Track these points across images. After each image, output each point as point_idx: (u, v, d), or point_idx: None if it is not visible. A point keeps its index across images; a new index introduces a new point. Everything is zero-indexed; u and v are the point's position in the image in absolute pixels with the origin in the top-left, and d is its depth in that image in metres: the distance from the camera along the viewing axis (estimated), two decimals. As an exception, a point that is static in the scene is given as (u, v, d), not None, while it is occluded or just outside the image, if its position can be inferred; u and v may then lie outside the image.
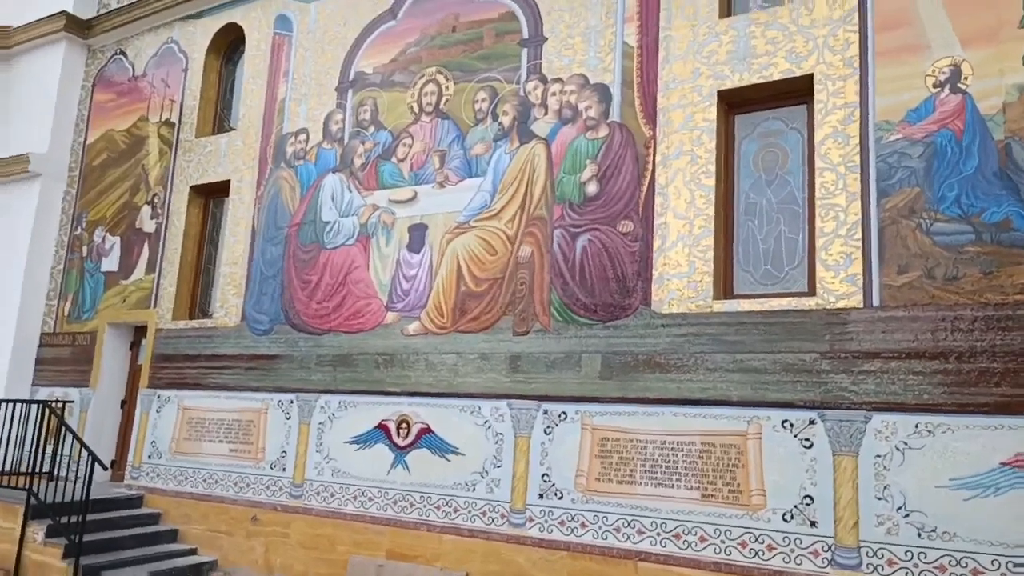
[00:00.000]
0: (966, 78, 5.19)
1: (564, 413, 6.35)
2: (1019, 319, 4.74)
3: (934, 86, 5.29)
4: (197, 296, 9.63)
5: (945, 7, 5.31)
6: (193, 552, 8.11)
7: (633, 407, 6.03)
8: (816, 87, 5.76)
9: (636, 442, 5.95)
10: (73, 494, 7.40)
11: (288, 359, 8.22)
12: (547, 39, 7.25)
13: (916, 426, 4.94)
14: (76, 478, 7.56)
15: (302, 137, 8.86)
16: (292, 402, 8.06)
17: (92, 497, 7.46)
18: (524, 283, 6.84)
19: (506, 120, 7.34)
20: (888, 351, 5.10)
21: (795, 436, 5.32)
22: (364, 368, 7.64)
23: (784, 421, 5.39)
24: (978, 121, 5.10)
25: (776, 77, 5.97)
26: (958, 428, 4.81)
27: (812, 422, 5.28)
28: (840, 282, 5.37)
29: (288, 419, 8.05)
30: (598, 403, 6.20)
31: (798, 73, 5.87)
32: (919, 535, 4.82)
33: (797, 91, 5.96)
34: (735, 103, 6.31)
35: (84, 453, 7.56)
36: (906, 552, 4.84)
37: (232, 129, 9.75)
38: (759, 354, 5.57)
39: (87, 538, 7.23)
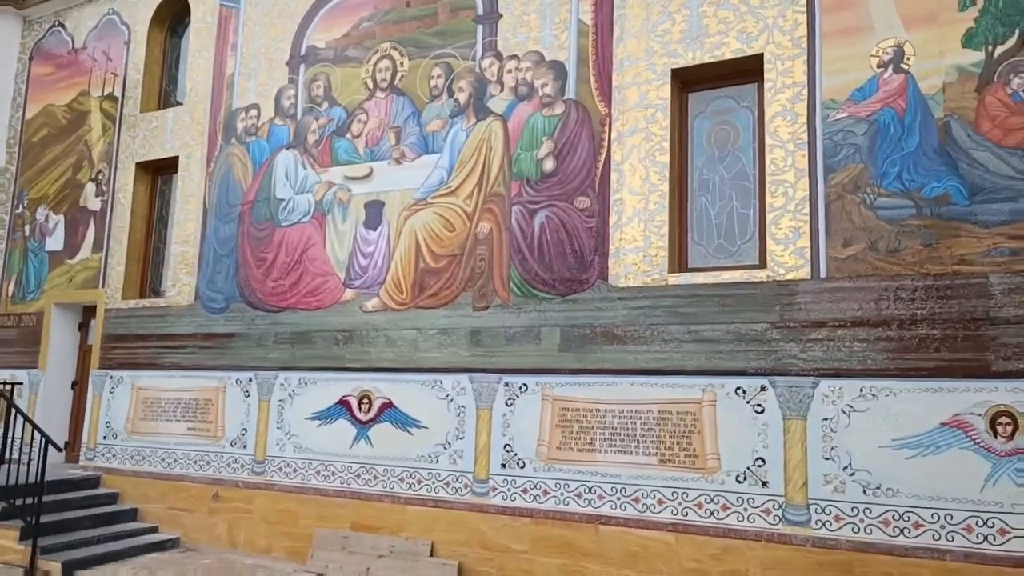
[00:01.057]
0: (908, 59, 5.42)
1: (525, 385, 6.50)
2: (957, 288, 5.04)
3: (878, 66, 5.52)
4: (147, 275, 9.44)
5: (888, -11, 5.54)
6: (154, 530, 8.06)
7: (592, 378, 6.21)
8: (766, 66, 5.94)
9: (595, 411, 6.14)
10: (27, 476, 7.25)
11: (245, 337, 8.16)
12: (502, 16, 7.26)
13: (861, 390, 5.23)
14: (29, 460, 7.40)
15: (253, 113, 8.70)
16: (251, 380, 8.03)
17: (47, 479, 7.33)
18: (483, 259, 6.92)
19: (462, 97, 7.35)
20: (834, 320, 5.37)
21: (747, 402, 5.58)
22: (323, 345, 7.65)
23: (737, 388, 5.63)
24: (919, 100, 5.35)
25: (728, 56, 6.13)
26: (900, 391, 5.11)
27: (763, 388, 5.54)
28: (789, 255, 5.60)
29: (247, 397, 8.02)
30: (558, 375, 6.36)
31: (749, 52, 6.04)
32: (864, 492, 5.13)
33: (748, 70, 6.13)
34: (688, 81, 6.45)
35: (36, 435, 7.40)
36: (852, 508, 5.15)
37: (179, 104, 9.51)
38: (713, 325, 5.79)
39: (44, 519, 7.12)
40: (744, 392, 5.60)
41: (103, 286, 9.31)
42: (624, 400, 6.04)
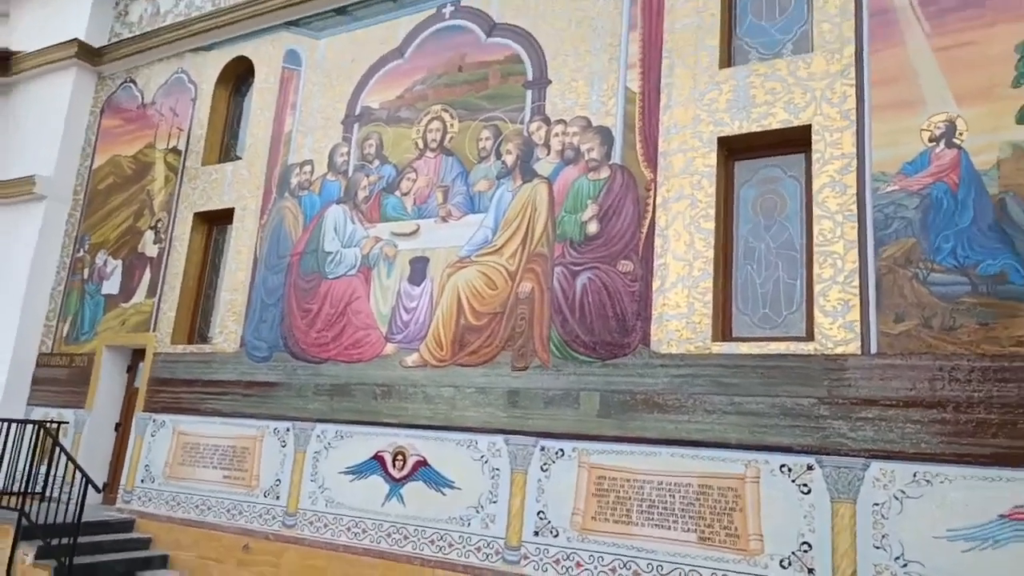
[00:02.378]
0: (961, 134, 5.34)
1: (561, 450, 6.38)
2: (1016, 371, 4.82)
3: (930, 140, 5.44)
4: (196, 321, 9.66)
5: (939, 65, 5.48)
6: (183, 581, 8.05)
7: (631, 446, 6.07)
8: (814, 137, 5.90)
9: (633, 482, 5.98)
10: (65, 516, 7.37)
11: (286, 387, 8.24)
12: (551, 82, 7.41)
13: (914, 475, 4.98)
14: (68, 500, 7.52)
15: (307, 168, 8.97)
16: (288, 430, 8.06)
17: (83, 520, 7.42)
18: (524, 318, 6.91)
19: (509, 159, 7.47)
20: (886, 399, 5.17)
21: (793, 481, 5.37)
22: (361, 398, 7.67)
23: (782, 465, 5.43)
24: (973, 175, 5.24)
25: (775, 126, 6.12)
26: (956, 478, 4.85)
27: (810, 467, 5.32)
28: (838, 328, 5.45)
29: (283, 447, 8.04)
30: (596, 441, 6.24)
31: (796, 123, 6.01)
32: (916, 585, 4.84)
33: (795, 140, 6.10)
34: (735, 149, 6.45)
35: (77, 475, 7.53)
36: (902, 601, 4.85)
37: (238, 158, 9.87)
38: (757, 397, 5.64)
39: (77, 561, 7.17)
40: (789, 470, 5.39)
41: (154, 330, 9.55)
42: (663, 471, 5.87)
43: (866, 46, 5.80)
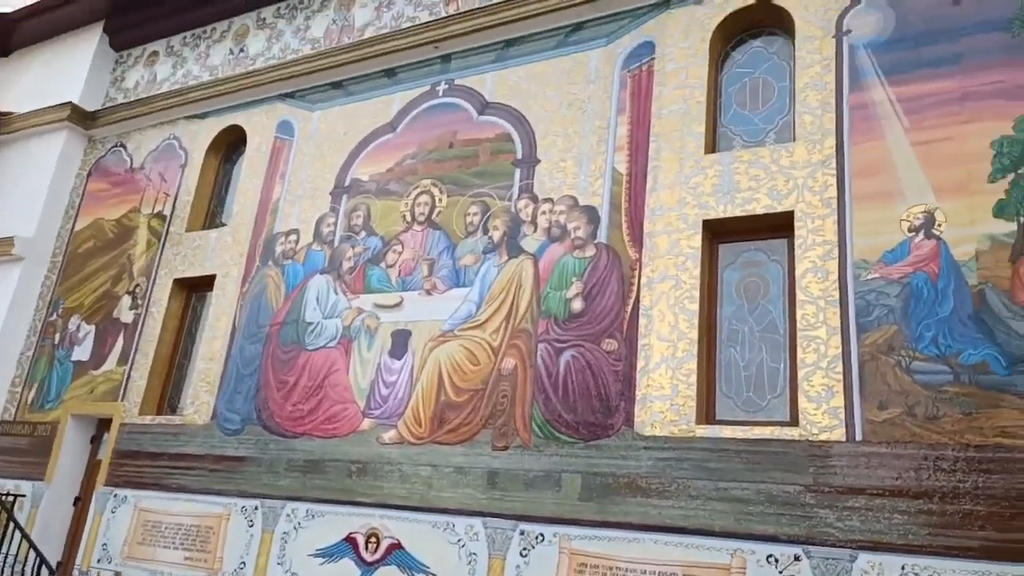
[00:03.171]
0: (939, 225, 5.45)
1: (542, 535, 6.16)
2: (1000, 462, 4.77)
3: (909, 230, 5.55)
4: (168, 391, 9.38)
5: (918, 159, 5.65)
6: (133, 671, 7.54)
7: (613, 532, 5.87)
8: (796, 223, 6.00)
9: (616, 570, 5.75)
10: (12, 600, 6.94)
11: (256, 462, 7.95)
12: (540, 161, 7.54)
13: (903, 568, 4.84)
14: (18, 581, 7.10)
15: (292, 237, 8.95)
16: (256, 508, 7.73)
17: (32, 603, 6.99)
18: (506, 396, 6.79)
19: (496, 234, 7.51)
20: (872, 487, 5.08)
21: (780, 572, 5.18)
22: (335, 476, 7.41)
23: (769, 556, 5.26)
24: (952, 266, 5.32)
25: (759, 211, 6.22)
26: (944, 572, 4.72)
27: (797, 558, 5.16)
28: (823, 414, 5.41)
29: (251, 527, 7.70)
30: (577, 526, 6.03)
31: (779, 209, 6.12)
32: None
33: (778, 226, 6.20)
34: (719, 232, 6.53)
35: (31, 554, 7.11)
36: None
37: (223, 225, 9.83)
38: (742, 483, 5.51)
39: (20, 649, 6.71)
40: (776, 560, 5.22)
41: (123, 399, 9.26)
42: (646, 559, 5.66)
43: (847, 138, 5.98)
